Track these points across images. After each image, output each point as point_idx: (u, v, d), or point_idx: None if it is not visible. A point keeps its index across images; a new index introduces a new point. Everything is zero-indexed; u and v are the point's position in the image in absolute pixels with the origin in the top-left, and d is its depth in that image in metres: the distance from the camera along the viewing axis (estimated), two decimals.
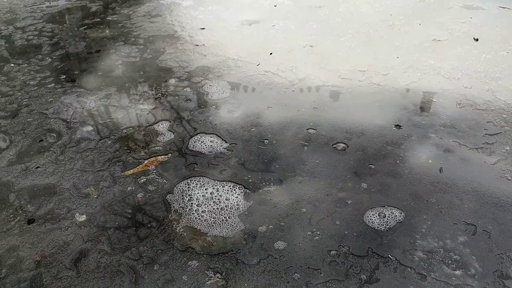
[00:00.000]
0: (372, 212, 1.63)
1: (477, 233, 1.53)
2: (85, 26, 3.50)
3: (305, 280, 1.41)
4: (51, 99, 2.49)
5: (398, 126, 2.11)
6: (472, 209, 1.62)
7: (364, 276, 1.41)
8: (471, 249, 1.47)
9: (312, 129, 2.11)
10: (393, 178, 1.79)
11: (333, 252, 1.49)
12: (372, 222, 1.59)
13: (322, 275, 1.42)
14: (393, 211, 1.63)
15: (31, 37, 3.31)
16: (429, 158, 1.89)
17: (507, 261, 1.42)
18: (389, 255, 1.47)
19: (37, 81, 2.68)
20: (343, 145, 1.99)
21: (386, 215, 1.61)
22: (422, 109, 2.23)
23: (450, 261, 1.44)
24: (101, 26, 3.48)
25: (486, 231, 1.53)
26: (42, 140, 2.14)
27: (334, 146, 1.99)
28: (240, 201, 1.71)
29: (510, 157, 1.87)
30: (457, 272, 1.40)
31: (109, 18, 3.63)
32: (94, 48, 3.12)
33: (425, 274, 1.40)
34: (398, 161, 1.88)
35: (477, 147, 1.93)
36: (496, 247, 1.47)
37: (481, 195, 1.68)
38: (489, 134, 2.01)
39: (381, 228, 1.57)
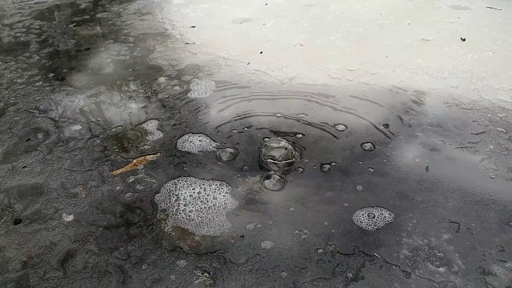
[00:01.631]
0: (362, 212, 1.65)
1: (460, 231, 1.56)
2: (74, 23, 3.46)
3: (292, 278, 1.42)
4: (39, 98, 2.46)
5: (386, 125, 2.13)
6: (456, 207, 1.65)
7: (350, 274, 1.43)
8: (454, 247, 1.50)
9: (300, 129, 2.13)
10: (380, 177, 1.81)
11: (320, 251, 1.51)
12: (360, 221, 1.62)
13: (309, 273, 1.44)
14: (383, 211, 1.65)
15: (19, 34, 3.27)
16: (416, 157, 1.92)
17: (489, 258, 1.46)
18: (375, 253, 1.49)
19: (24, 79, 2.65)
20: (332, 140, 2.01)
21: (376, 215, 1.64)
22: (409, 108, 2.26)
23: (434, 259, 1.46)
24: (91, 24, 3.45)
25: (470, 228, 1.56)
26: (29, 139, 2.12)
27: (323, 145, 2.00)
28: (228, 199, 1.72)
29: (493, 155, 1.90)
30: (440, 269, 1.43)
31: (99, 15, 3.59)
32: (84, 46, 3.09)
33: (409, 271, 1.43)
34: (385, 160, 1.91)
35: (462, 146, 1.97)
36: (479, 244, 1.50)
37: (465, 193, 1.71)
38: (474, 133, 2.04)
39: (368, 228, 1.59)
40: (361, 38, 3.01)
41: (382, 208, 1.66)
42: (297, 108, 2.28)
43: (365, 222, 1.61)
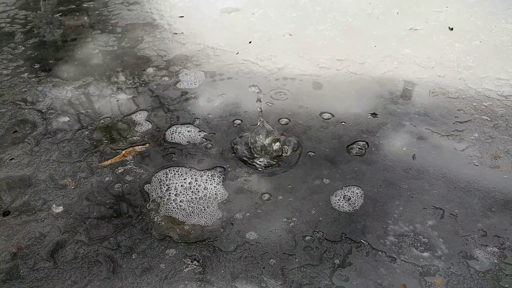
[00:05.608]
0: (339, 199, 1.68)
1: (444, 217, 1.60)
2: (60, 13, 3.40)
3: (281, 265, 1.45)
4: (25, 89, 2.43)
5: (374, 115, 2.15)
6: (441, 194, 1.69)
7: (337, 261, 1.46)
8: (438, 232, 1.54)
9: (289, 118, 2.14)
10: (367, 165, 1.84)
11: (307, 238, 1.54)
12: (343, 207, 1.64)
13: (297, 260, 1.47)
14: (357, 192, 1.69)
15: (3, 24, 3.20)
16: (403, 146, 1.95)
17: (471, 243, 1.50)
18: (362, 240, 1.53)
19: (10, 71, 2.61)
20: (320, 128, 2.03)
21: (352, 199, 1.67)
22: (397, 97, 2.28)
23: (419, 244, 1.50)
24: (77, 13, 3.39)
25: (453, 214, 1.60)
26: (16, 131, 2.10)
27: (311, 134, 2.02)
28: (218, 190, 1.74)
29: (478, 143, 1.94)
30: (425, 254, 1.47)
31: (85, 5, 3.53)
32: (70, 36, 3.05)
33: (395, 256, 1.47)
34: (373, 149, 1.93)
35: (448, 134, 2.00)
36: (462, 229, 1.55)
37: (450, 180, 1.75)
38: (459, 122, 2.07)
39: (354, 214, 1.62)
40: (350, 28, 3.01)
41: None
42: (280, 97, 2.29)
43: (346, 207, 1.64)
